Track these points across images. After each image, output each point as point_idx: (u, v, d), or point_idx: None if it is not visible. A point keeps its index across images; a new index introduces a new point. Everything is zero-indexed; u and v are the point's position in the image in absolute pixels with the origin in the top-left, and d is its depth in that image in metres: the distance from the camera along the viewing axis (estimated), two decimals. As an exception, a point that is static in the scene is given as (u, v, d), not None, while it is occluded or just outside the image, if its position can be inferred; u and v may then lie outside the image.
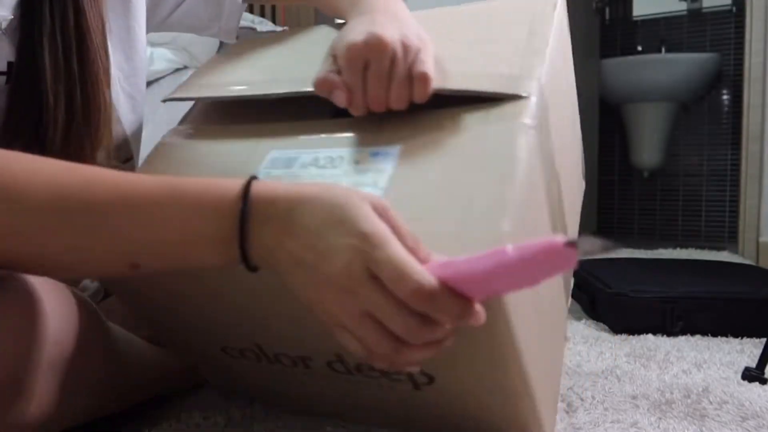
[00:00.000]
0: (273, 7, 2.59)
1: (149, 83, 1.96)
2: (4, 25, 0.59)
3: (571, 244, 0.36)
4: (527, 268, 0.39)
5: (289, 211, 0.44)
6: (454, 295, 0.41)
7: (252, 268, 0.47)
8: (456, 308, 0.41)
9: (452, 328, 0.44)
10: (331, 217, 0.43)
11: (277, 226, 0.44)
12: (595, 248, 0.36)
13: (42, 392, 0.56)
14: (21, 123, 0.60)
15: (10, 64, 0.61)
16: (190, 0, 0.85)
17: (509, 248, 0.39)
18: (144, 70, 0.78)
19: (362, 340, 0.43)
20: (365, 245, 0.41)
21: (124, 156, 0.76)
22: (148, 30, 0.81)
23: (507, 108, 0.56)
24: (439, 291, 0.40)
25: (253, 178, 0.47)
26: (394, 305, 0.41)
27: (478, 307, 0.42)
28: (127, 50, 0.74)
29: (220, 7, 0.87)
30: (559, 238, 0.37)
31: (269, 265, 0.46)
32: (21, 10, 0.60)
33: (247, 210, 0.45)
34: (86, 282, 0.80)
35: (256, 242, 0.45)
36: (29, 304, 0.57)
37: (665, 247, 2.40)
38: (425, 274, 0.41)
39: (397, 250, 0.41)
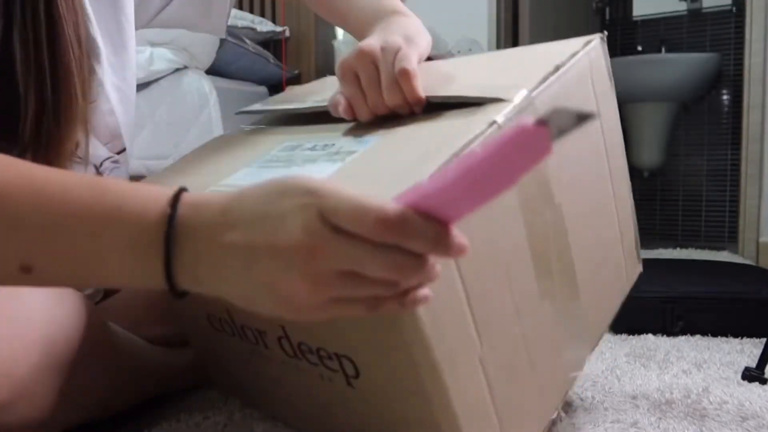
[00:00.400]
0: (273, 8, 2.59)
1: (149, 83, 1.96)
2: None
3: (541, 122, 0.31)
4: (498, 163, 0.33)
5: (224, 208, 0.40)
6: (424, 216, 0.37)
7: (177, 292, 0.42)
8: (430, 230, 0.37)
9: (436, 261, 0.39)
10: (272, 193, 0.39)
11: (212, 226, 0.40)
12: (570, 120, 0.31)
13: (41, 393, 0.56)
14: None
15: None
16: (178, 0, 0.85)
17: (476, 148, 0.35)
18: (133, 63, 0.78)
19: (358, 303, 0.39)
20: (315, 199, 0.37)
21: (118, 148, 0.76)
22: (137, 27, 0.82)
23: (485, 109, 0.56)
24: (405, 215, 0.36)
25: (183, 189, 0.43)
26: (368, 248, 0.37)
27: (459, 236, 0.38)
28: (116, 44, 0.74)
29: (209, 5, 0.87)
30: (527, 119, 0.32)
31: (203, 279, 0.41)
32: None
33: (175, 214, 0.40)
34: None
35: (187, 250, 0.40)
36: (27, 305, 0.57)
37: (665, 247, 2.40)
38: (386, 203, 0.37)
39: (348, 192, 0.37)
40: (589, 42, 0.67)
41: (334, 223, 0.37)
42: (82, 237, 0.41)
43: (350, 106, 0.64)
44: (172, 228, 0.40)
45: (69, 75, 0.62)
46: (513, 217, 0.56)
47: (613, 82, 0.71)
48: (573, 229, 0.63)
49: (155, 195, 0.42)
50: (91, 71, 0.68)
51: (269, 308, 0.40)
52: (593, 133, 0.69)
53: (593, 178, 0.69)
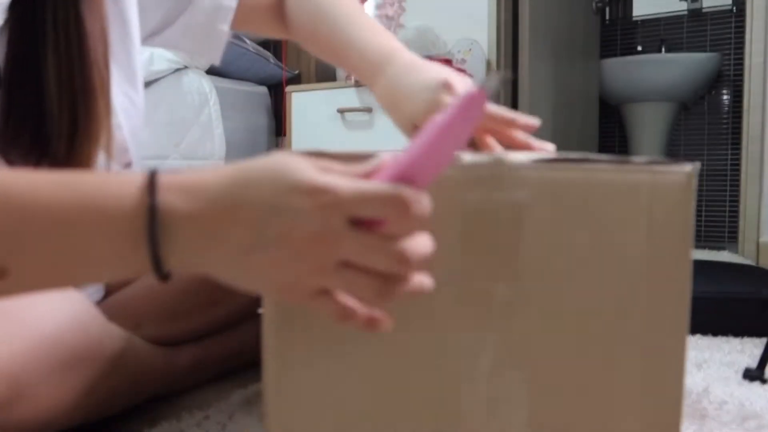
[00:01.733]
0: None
1: (149, 83, 1.97)
2: None
3: (481, 88, 0.38)
4: (456, 125, 0.38)
5: (219, 195, 0.39)
6: (409, 185, 0.38)
7: (163, 276, 0.40)
8: (418, 196, 0.38)
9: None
10: (281, 187, 0.38)
11: (207, 217, 0.39)
12: (495, 81, 0.39)
13: (41, 393, 0.56)
14: (18, 131, 0.60)
15: None
16: (175, 29, 0.84)
17: (435, 117, 0.39)
18: (140, 76, 0.78)
19: (348, 289, 0.39)
20: (328, 197, 0.37)
21: (125, 161, 0.76)
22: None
23: None
24: (399, 188, 0.37)
25: (155, 172, 0.40)
26: (378, 240, 0.38)
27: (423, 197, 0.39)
28: (123, 57, 0.74)
29: (209, 35, 0.86)
30: (472, 87, 0.39)
31: (191, 263, 0.40)
32: (14, 16, 0.60)
33: (155, 201, 0.39)
34: (86, 282, 0.80)
35: (176, 239, 0.39)
36: (29, 305, 0.57)
37: (665, 247, 2.40)
38: (380, 184, 0.38)
39: (356, 183, 0.38)
40: None
41: (354, 215, 0.38)
42: (56, 234, 0.39)
43: None
44: (156, 215, 0.38)
45: (96, 93, 0.63)
46: None
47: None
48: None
49: (130, 180, 0.40)
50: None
51: (261, 289, 0.42)
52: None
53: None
